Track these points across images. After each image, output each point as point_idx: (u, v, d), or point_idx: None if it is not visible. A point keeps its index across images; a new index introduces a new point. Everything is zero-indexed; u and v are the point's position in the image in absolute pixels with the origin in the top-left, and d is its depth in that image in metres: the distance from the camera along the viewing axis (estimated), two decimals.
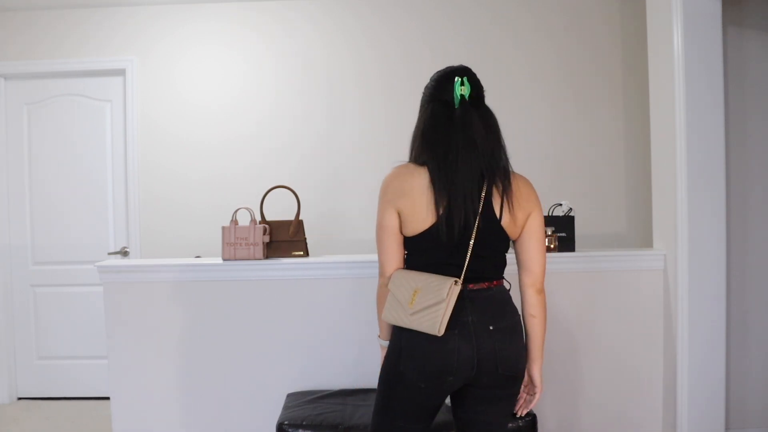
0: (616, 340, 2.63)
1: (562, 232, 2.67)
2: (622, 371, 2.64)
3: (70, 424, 3.35)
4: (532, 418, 2.13)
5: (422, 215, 1.54)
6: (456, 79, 1.58)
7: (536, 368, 1.66)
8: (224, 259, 2.49)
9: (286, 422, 2.10)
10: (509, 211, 1.57)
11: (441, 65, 3.90)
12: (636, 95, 3.55)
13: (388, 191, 1.59)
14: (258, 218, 2.58)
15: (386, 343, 1.67)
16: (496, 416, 1.63)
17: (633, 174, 3.57)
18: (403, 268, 1.62)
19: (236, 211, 2.61)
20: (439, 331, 1.47)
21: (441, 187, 1.52)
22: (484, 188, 1.54)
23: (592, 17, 3.59)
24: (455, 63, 3.93)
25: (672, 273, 2.58)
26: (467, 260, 1.53)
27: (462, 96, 1.56)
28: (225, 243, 2.48)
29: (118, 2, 3.63)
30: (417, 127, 1.64)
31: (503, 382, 1.58)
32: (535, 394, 1.70)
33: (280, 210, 2.74)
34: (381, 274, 1.63)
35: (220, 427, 2.50)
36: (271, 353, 2.49)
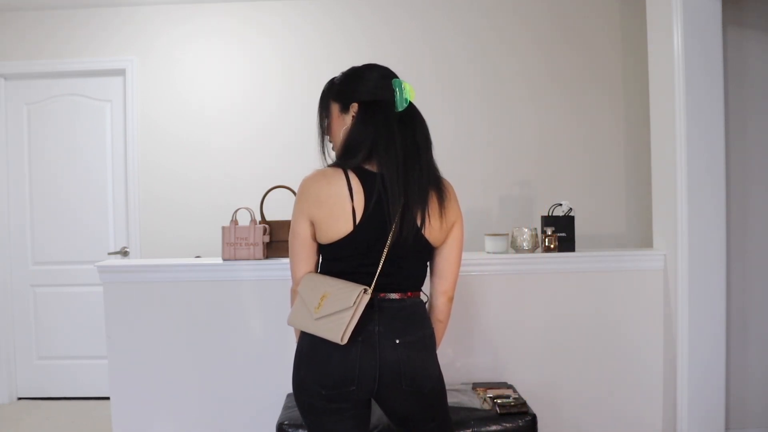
0: (616, 340, 2.63)
1: (562, 232, 2.67)
2: (622, 371, 2.63)
3: (70, 424, 3.35)
4: (532, 418, 2.13)
5: (338, 224, 1.46)
6: (398, 81, 1.51)
7: None
8: (224, 259, 2.49)
9: (286, 422, 2.10)
10: (439, 218, 1.51)
11: (441, 65, 3.91)
12: (636, 95, 3.55)
13: (304, 199, 1.50)
14: (258, 218, 2.58)
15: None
16: None
17: (633, 174, 3.57)
18: (315, 272, 1.55)
19: (236, 211, 2.61)
20: (342, 339, 1.39)
21: (386, 195, 1.45)
22: (416, 196, 1.48)
23: (592, 17, 3.59)
24: (455, 63, 3.93)
25: (672, 273, 2.58)
26: (379, 268, 1.46)
27: (407, 100, 1.50)
28: (225, 243, 2.48)
29: (118, 2, 3.63)
30: (361, 127, 1.50)
31: (409, 399, 1.50)
32: None
33: (280, 210, 2.74)
34: (292, 279, 1.57)
35: (220, 426, 2.49)
36: (271, 353, 2.49)
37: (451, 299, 1.64)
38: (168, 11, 3.68)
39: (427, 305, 1.64)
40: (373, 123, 1.49)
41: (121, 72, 3.72)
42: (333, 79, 1.61)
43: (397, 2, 3.64)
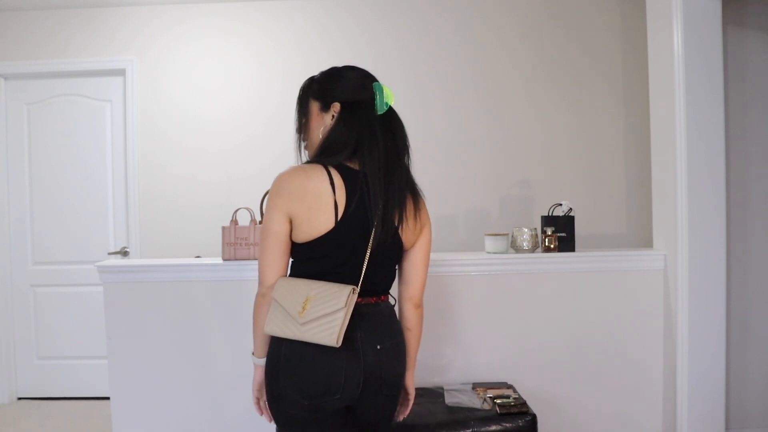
0: (616, 340, 2.63)
1: (562, 232, 2.67)
2: (622, 371, 2.64)
3: (70, 424, 3.35)
4: (532, 418, 2.13)
5: (319, 220, 1.42)
6: (378, 85, 1.51)
7: (410, 377, 1.64)
8: (224, 259, 2.49)
9: None
10: (413, 219, 1.52)
11: (440, 66, 3.90)
12: (636, 95, 3.55)
13: (281, 194, 1.44)
14: (258, 218, 2.58)
15: (262, 362, 1.56)
16: None
17: (633, 174, 3.57)
18: (287, 277, 1.48)
19: (236, 211, 2.61)
20: (337, 341, 1.35)
21: (368, 193, 1.44)
22: (396, 196, 1.47)
23: (593, 17, 3.59)
24: (455, 64, 3.92)
25: (672, 273, 2.58)
26: (364, 269, 1.43)
27: (387, 104, 1.50)
28: (225, 243, 2.48)
29: (118, 2, 3.63)
30: (344, 127, 1.48)
31: (385, 403, 1.53)
32: (408, 402, 1.67)
33: None
34: (261, 283, 1.48)
35: (220, 426, 2.49)
36: None
37: (418, 306, 1.61)
38: (168, 11, 3.68)
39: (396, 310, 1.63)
40: (358, 123, 1.48)
41: (121, 72, 3.72)
42: (312, 77, 1.59)
43: (396, 2, 3.64)
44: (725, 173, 2.55)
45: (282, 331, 1.41)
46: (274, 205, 1.45)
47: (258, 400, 1.61)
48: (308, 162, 1.52)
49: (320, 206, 1.42)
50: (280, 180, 1.47)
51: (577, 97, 3.59)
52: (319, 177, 1.44)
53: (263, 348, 1.54)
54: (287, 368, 1.44)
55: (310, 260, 1.47)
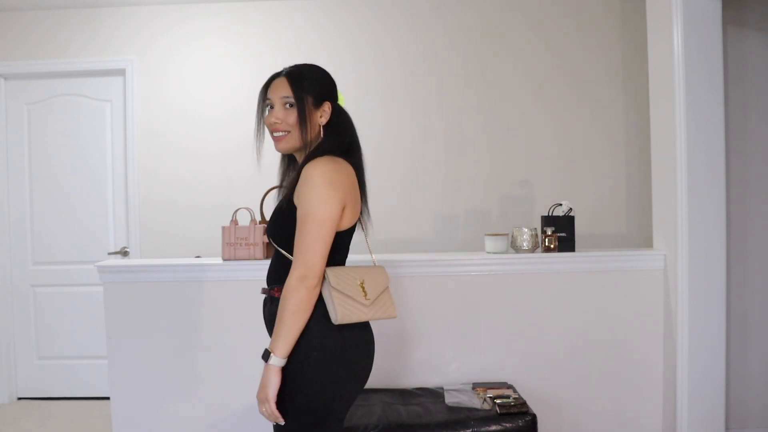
0: (616, 340, 2.63)
1: (562, 232, 2.67)
2: (622, 371, 2.64)
3: (70, 424, 3.35)
4: (532, 418, 2.13)
5: (357, 207, 1.56)
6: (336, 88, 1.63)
7: None
8: (224, 259, 2.49)
9: None
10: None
11: (439, 65, 3.89)
12: (636, 95, 3.55)
13: (337, 182, 1.45)
14: (258, 218, 2.58)
15: (282, 362, 1.41)
16: None
17: (633, 174, 3.57)
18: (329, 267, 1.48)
19: (236, 211, 2.61)
20: (396, 313, 1.54)
21: (362, 183, 1.61)
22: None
23: (593, 17, 3.59)
24: (454, 65, 3.91)
25: (672, 273, 2.58)
26: (371, 253, 1.74)
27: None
28: (225, 243, 2.48)
29: (118, 2, 3.63)
30: (344, 126, 1.60)
31: None
32: None
33: None
34: (310, 275, 1.40)
35: (219, 427, 2.50)
36: None
37: None
38: (168, 11, 3.68)
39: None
40: (350, 123, 1.62)
41: (121, 72, 3.72)
42: (300, 72, 1.57)
43: (396, 3, 3.64)
44: (725, 173, 2.55)
45: (355, 316, 1.46)
46: (332, 193, 1.44)
47: (274, 404, 1.43)
48: (323, 154, 1.50)
49: (356, 196, 1.55)
50: (329, 170, 1.45)
51: (577, 97, 3.59)
52: (349, 168, 1.53)
53: (292, 346, 1.42)
54: (354, 355, 1.49)
55: (341, 248, 1.55)
